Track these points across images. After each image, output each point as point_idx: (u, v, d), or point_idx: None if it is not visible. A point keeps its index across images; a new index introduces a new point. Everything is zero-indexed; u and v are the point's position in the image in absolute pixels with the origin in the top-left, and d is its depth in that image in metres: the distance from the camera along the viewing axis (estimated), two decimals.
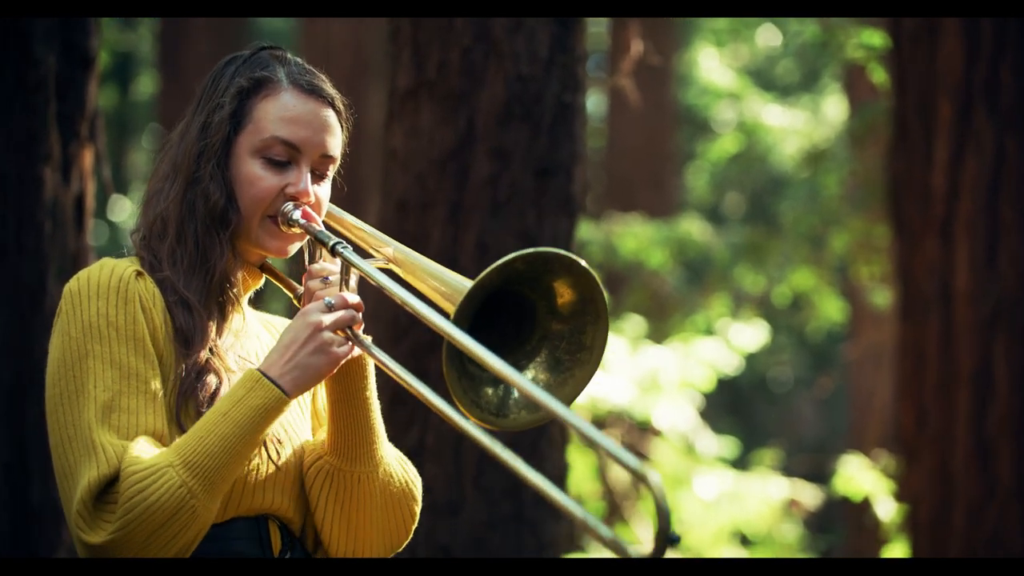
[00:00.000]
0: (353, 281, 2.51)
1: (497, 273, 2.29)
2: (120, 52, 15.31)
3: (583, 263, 2.37)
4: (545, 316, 2.42)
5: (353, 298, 2.46)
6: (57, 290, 3.55)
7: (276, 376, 2.39)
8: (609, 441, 2.11)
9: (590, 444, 2.14)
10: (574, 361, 2.42)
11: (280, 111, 2.51)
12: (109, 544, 2.29)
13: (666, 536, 2.03)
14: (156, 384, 2.39)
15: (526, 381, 2.23)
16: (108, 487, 2.30)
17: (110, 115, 15.16)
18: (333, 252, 2.50)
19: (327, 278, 2.50)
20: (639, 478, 2.06)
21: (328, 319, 2.42)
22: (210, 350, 2.46)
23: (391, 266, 2.54)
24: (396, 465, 2.59)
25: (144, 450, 2.31)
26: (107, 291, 2.39)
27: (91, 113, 3.73)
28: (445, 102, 3.88)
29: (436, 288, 2.44)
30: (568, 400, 2.41)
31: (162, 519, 2.28)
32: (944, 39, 5.48)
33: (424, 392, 2.38)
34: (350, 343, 2.44)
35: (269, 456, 2.49)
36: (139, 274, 2.44)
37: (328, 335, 2.41)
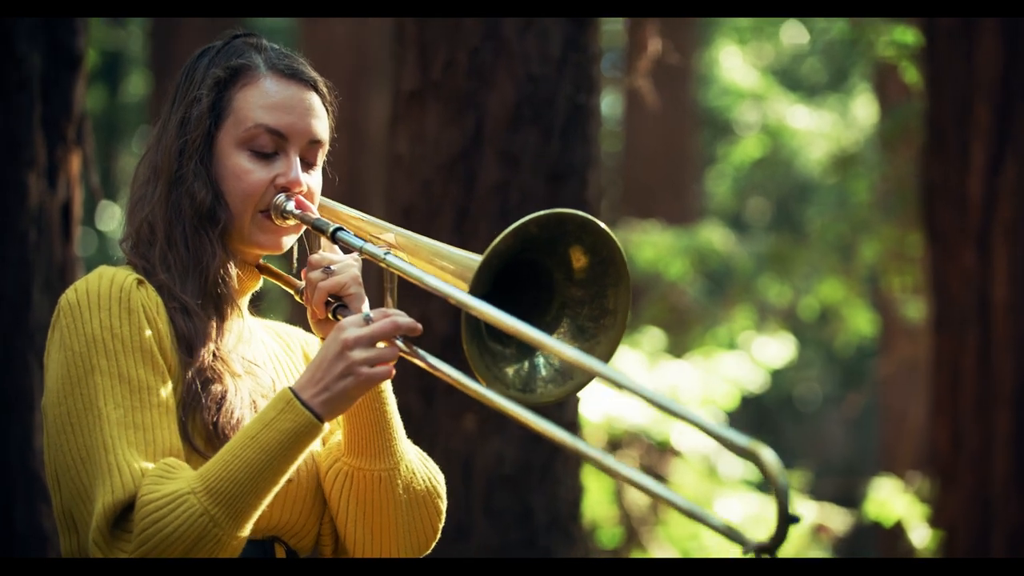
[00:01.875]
0: (357, 268, 2.47)
1: (511, 237, 2.27)
2: (109, 51, 15.35)
3: (600, 223, 2.34)
4: (563, 283, 2.39)
5: (396, 312, 2.36)
6: (43, 302, 3.54)
7: (308, 398, 2.32)
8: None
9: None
10: (598, 327, 2.39)
11: (262, 98, 2.50)
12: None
13: (787, 516, 1.99)
14: (168, 397, 2.36)
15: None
16: (124, 513, 2.28)
17: (98, 117, 15.21)
18: (334, 238, 2.49)
19: (329, 267, 2.46)
20: (744, 455, 2.02)
21: (359, 334, 2.32)
22: (213, 354, 2.44)
23: (394, 252, 2.51)
24: (418, 462, 2.58)
25: (166, 474, 2.28)
26: (108, 301, 2.37)
27: (78, 115, 3.72)
28: (452, 104, 3.88)
29: (445, 268, 2.41)
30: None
31: (182, 549, 2.25)
32: (982, 38, 5.47)
33: (494, 398, 2.31)
34: (387, 363, 2.34)
35: None
36: (140, 282, 2.42)
37: (359, 354, 2.31)
